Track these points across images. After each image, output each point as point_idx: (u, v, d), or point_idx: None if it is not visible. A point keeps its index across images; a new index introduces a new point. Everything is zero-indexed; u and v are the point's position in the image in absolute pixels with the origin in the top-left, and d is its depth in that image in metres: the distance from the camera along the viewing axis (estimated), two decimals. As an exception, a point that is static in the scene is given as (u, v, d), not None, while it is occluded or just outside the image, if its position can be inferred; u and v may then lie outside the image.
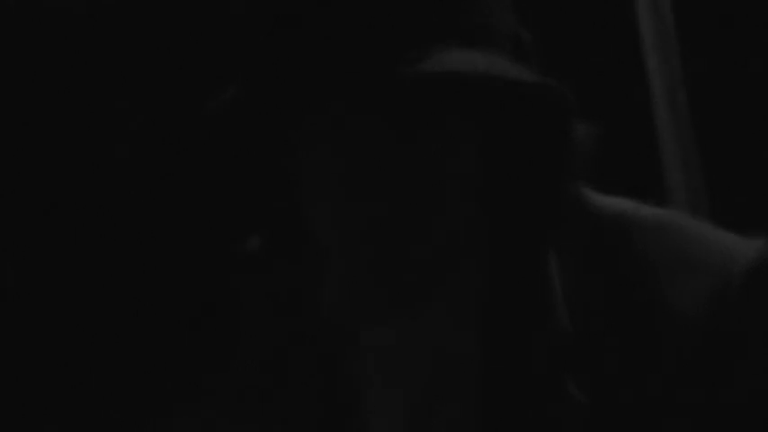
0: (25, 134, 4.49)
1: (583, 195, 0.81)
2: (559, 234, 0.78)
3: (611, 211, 0.80)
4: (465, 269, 0.79)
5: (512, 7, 0.75)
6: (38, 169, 4.54)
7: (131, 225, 4.67)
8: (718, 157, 3.68)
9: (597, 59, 4.13)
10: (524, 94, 0.73)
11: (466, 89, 0.73)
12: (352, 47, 0.70)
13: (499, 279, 0.78)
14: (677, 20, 3.33)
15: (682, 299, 0.73)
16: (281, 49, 0.74)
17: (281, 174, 0.80)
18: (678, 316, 0.72)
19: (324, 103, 0.75)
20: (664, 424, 0.70)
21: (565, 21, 4.25)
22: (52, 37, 4.41)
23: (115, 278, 4.61)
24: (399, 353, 0.81)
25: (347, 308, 0.80)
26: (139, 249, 4.57)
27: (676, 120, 3.40)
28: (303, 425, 0.83)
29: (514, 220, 0.78)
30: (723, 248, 0.75)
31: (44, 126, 4.51)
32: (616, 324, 0.73)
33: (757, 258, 0.74)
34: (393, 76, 0.69)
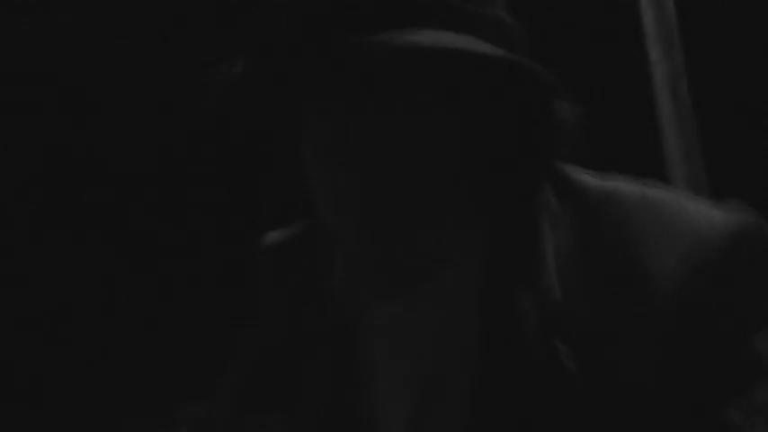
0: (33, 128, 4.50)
1: (575, 174, 0.83)
2: (552, 209, 0.79)
3: (601, 188, 0.81)
4: (461, 245, 0.81)
5: None
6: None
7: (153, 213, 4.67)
8: (720, 147, 3.69)
9: (600, 51, 4.14)
10: (502, 71, 0.75)
11: (441, 65, 0.73)
12: (327, 25, 0.72)
13: (494, 251, 0.80)
14: (679, 11, 3.35)
15: (664, 264, 0.74)
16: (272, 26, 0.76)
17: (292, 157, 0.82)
18: (661, 281, 0.73)
19: (311, 79, 0.76)
20: (646, 385, 0.71)
21: (568, 13, 4.26)
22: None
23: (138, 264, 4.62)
24: (405, 327, 0.82)
25: (355, 289, 0.84)
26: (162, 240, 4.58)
27: (678, 110, 3.41)
28: (318, 401, 0.86)
29: (502, 193, 0.80)
30: (704, 217, 0.76)
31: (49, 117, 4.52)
32: (602, 291, 0.75)
33: (736, 224, 0.76)
34: (364, 50, 0.70)
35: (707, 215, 0.78)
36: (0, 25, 4.43)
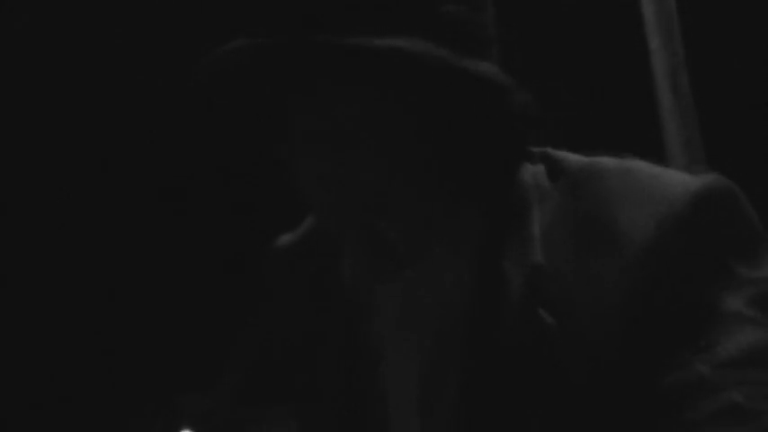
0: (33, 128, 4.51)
1: (565, 157, 0.88)
2: (543, 189, 0.85)
3: (585, 164, 0.86)
4: (453, 227, 0.86)
5: None
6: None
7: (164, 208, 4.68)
8: (721, 138, 3.70)
9: (599, 42, 4.14)
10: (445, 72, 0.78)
11: (386, 64, 0.77)
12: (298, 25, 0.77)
13: (485, 230, 0.85)
14: (679, 1, 3.35)
15: (634, 224, 0.78)
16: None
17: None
18: (629, 238, 0.77)
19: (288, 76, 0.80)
20: (619, 336, 0.75)
21: (568, 4, 4.25)
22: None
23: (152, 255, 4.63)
24: (405, 305, 0.87)
25: (358, 275, 0.87)
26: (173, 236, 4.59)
27: (678, 101, 3.41)
28: (331, 388, 0.90)
29: (484, 178, 0.86)
30: (674, 180, 0.81)
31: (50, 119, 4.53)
32: (582, 255, 0.80)
33: (703, 184, 0.79)
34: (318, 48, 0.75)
35: (677, 179, 0.82)
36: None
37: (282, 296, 0.98)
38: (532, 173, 0.87)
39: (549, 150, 0.89)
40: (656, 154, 3.42)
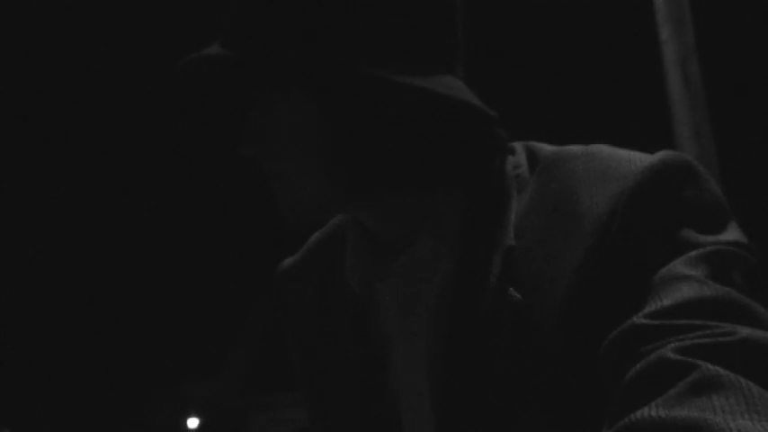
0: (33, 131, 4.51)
1: (542, 148, 0.92)
2: (522, 179, 0.90)
3: (555, 152, 0.91)
4: (433, 216, 0.91)
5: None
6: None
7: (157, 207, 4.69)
8: (730, 127, 3.69)
9: (610, 31, 4.13)
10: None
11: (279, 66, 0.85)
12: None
13: (467, 218, 0.91)
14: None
15: (593, 204, 0.84)
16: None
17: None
18: (590, 219, 0.83)
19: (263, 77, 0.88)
20: (577, 306, 0.80)
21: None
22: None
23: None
24: (401, 293, 0.92)
25: (358, 271, 0.93)
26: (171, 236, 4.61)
27: (688, 89, 3.40)
28: (344, 385, 0.94)
29: (456, 169, 0.91)
30: (632, 159, 0.85)
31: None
32: (550, 235, 0.85)
33: (659, 160, 0.82)
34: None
35: (636, 157, 0.84)
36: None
37: (291, 309, 1.04)
38: (514, 164, 0.92)
39: (531, 143, 0.93)
40: (666, 143, 3.41)
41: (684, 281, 0.75)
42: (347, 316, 0.93)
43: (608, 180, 0.82)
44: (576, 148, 0.89)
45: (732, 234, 0.79)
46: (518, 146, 0.93)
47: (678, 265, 0.77)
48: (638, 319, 0.74)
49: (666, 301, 0.74)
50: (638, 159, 0.83)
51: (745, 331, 0.70)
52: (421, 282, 0.89)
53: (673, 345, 0.71)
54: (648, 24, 3.13)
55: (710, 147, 3.56)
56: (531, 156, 0.91)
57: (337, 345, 0.94)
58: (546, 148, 0.91)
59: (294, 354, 1.02)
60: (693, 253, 0.77)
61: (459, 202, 0.91)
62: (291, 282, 1.03)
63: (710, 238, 0.77)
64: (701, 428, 0.64)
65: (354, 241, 0.90)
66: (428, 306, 0.89)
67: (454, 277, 0.88)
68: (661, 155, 0.83)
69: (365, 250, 0.90)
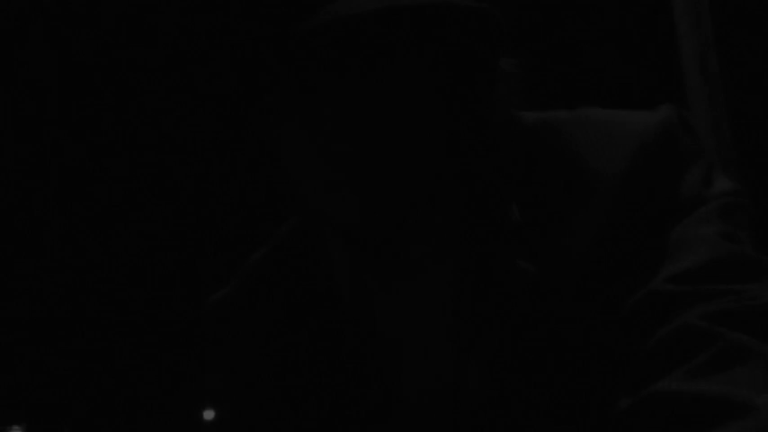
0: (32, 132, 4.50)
1: (523, 115, 0.90)
2: (512, 150, 0.87)
3: (542, 119, 0.88)
4: (444, 203, 0.86)
5: None
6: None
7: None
8: (748, 121, 3.67)
9: (628, 25, 4.11)
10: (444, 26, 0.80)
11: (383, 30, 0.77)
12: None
13: (472, 203, 0.86)
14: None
15: (607, 164, 0.81)
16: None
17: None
18: (605, 179, 0.80)
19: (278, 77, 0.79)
20: (602, 271, 0.78)
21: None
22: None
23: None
24: (407, 309, 0.87)
25: (359, 280, 0.87)
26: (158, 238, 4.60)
27: (707, 84, 3.38)
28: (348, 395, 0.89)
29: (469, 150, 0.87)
30: (633, 118, 0.83)
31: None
32: (557, 203, 0.82)
33: (661, 118, 0.82)
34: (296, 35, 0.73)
35: (634, 115, 0.85)
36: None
37: (228, 351, 0.98)
38: (516, 136, 0.88)
39: (513, 111, 0.90)
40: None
41: (701, 241, 0.74)
42: (337, 326, 0.89)
43: (616, 141, 0.81)
44: (562, 114, 0.88)
45: (726, 182, 0.80)
46: (522, 115, 0.90)
47: (692, 223, 0.77)
48: (660, 284, 0.74)
49: (686, 263, 0.74)
50: (642, 117, 0.83)
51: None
52: (429, 276, 0.86)
53: (697, 311, 0.70)
54: (666, 18, 3.11)
55: (728, 141, 3.54)
56: (518, 125, 0.89)
57: (330, 356, 0.89)
58: (527, 115, 0.89)
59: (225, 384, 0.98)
60: (703, 209, 0.78)
61: (460, 184, 0.87)
62: (226, 322, 0.97)
63: (714, 191, 0.78)
64: (724, 402, 0.63)
65: (357, 250, 0.85)
66: (439, 297, 0.85)
67: (463, 268, 0.85)
68: (660, 113, 0.84)
69: (359, 255, 0.85)
